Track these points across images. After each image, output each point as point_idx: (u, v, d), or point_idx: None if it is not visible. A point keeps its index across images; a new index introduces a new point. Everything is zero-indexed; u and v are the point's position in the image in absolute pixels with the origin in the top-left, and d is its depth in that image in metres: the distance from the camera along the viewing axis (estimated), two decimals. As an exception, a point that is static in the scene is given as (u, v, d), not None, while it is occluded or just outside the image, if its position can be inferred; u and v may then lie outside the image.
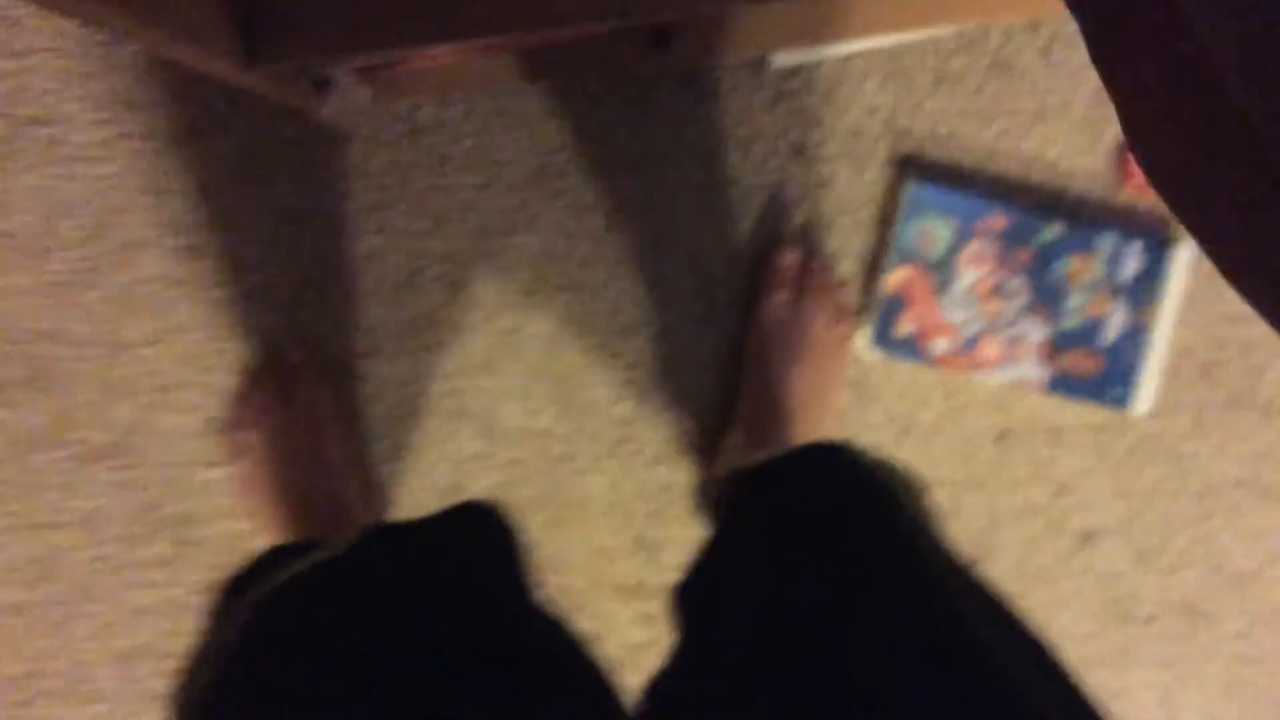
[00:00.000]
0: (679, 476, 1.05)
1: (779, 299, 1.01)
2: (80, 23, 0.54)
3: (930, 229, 1.03)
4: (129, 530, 1.03)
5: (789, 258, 1.02)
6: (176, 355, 1.02)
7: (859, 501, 0.61)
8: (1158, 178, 0.23)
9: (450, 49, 0.96)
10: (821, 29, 0.98)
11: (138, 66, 0.99)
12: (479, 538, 0.65)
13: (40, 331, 1.01)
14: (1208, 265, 1.04)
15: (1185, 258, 1.03)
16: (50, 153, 0.99)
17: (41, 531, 1.03)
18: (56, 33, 0.98)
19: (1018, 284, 1.03)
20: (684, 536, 1.05)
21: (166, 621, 1.03)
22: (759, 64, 1.02)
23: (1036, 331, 1.03)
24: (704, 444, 1.05)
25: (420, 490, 1.04)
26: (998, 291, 1.03)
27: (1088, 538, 1.06)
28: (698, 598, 0.65)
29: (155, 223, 1.01)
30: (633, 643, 1.06)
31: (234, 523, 1.03)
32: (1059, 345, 1.03)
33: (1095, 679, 1.07)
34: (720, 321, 1.05)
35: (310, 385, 1.00)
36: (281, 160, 1.01)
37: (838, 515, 0.59)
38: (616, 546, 1.05)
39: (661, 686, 0.59)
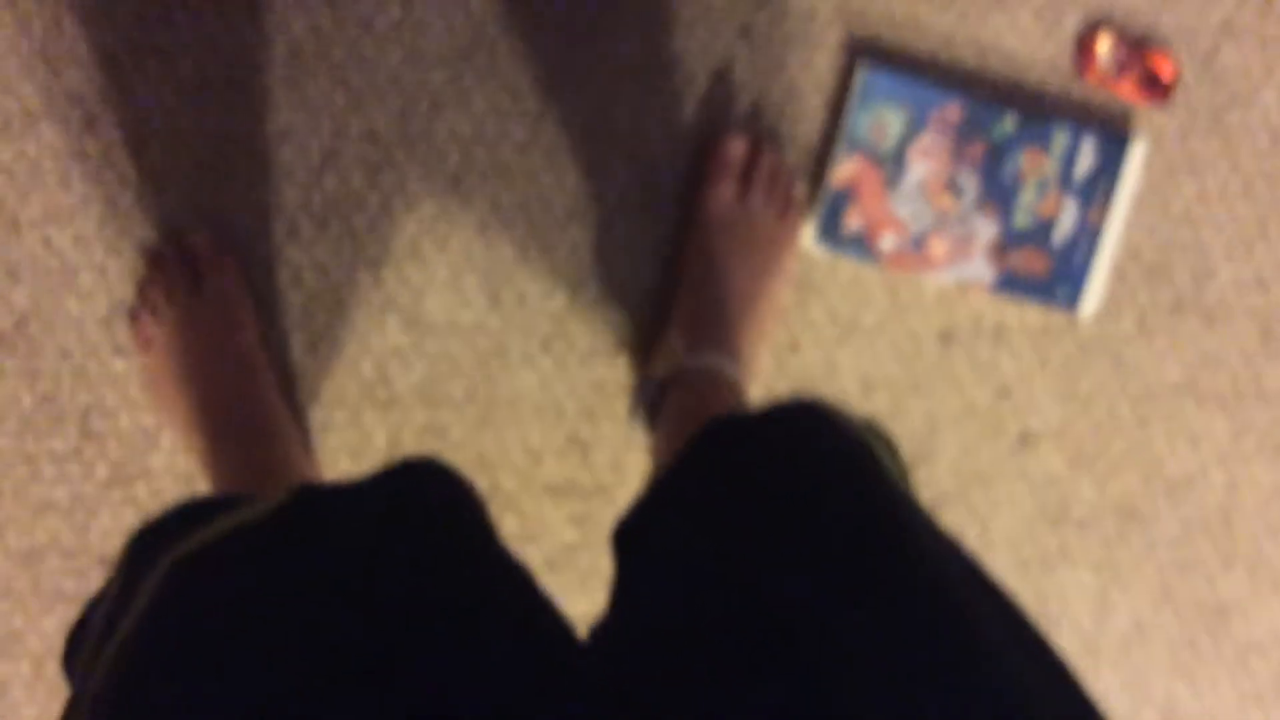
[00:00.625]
0: (614, 374, 1.01)
1: (725, 189, 0.96)
2: None
3: (882, 119, 0.98)
4: (31, 422, 0.97)
5: (736, 145, 0.97)
6: (77, 236, 0.95)
7: (839, 472, 0.56)
8: None
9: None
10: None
11: (26, -84, 0.90)
12: (420, 501, 0.58)
13: (-75, 207, 0.93)
14: (1160, 163, 1.01)
15: (1140, 155, 0.99)
16: (-69, 10, 0.91)
17: (-67, 422, 0.97)
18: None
19: (969, 179, 0.99)
20: (617, 435, 1.02)
21: (74, 518, 0.98)
22: (706, -64, 0.96)
23: (986, 229, 0.99)
24: (641, 341, 1.01)
25: (342, 385, 0.99)
26: (948, 187, 0.99)
27: (1026, 440, 1.04)
28: (642, 550, 0.59)
29: (50, 93, 0.93)
30: (565, 542, 1.03)
31: (144, 415, 0.97)
32: (1008, 243, 0.99)
33: (1029, 581, 1.07)
34: (661, 212, 1.00)
35: (218, 271, 0.94)
36: (186, 25, 0.94)
37: (817, 488, 0.54)
38: (548, 445, 1.02)
39: (604, 645, 0.56)
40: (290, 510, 0.53)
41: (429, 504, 0.57)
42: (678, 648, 0.50)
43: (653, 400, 0.94)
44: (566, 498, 1.03)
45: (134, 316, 0.95)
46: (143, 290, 0.95)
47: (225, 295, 0.94)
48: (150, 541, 0.60)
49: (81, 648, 0.59)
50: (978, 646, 0.44)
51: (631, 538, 0.61)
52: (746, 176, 0.97)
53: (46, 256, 0.95)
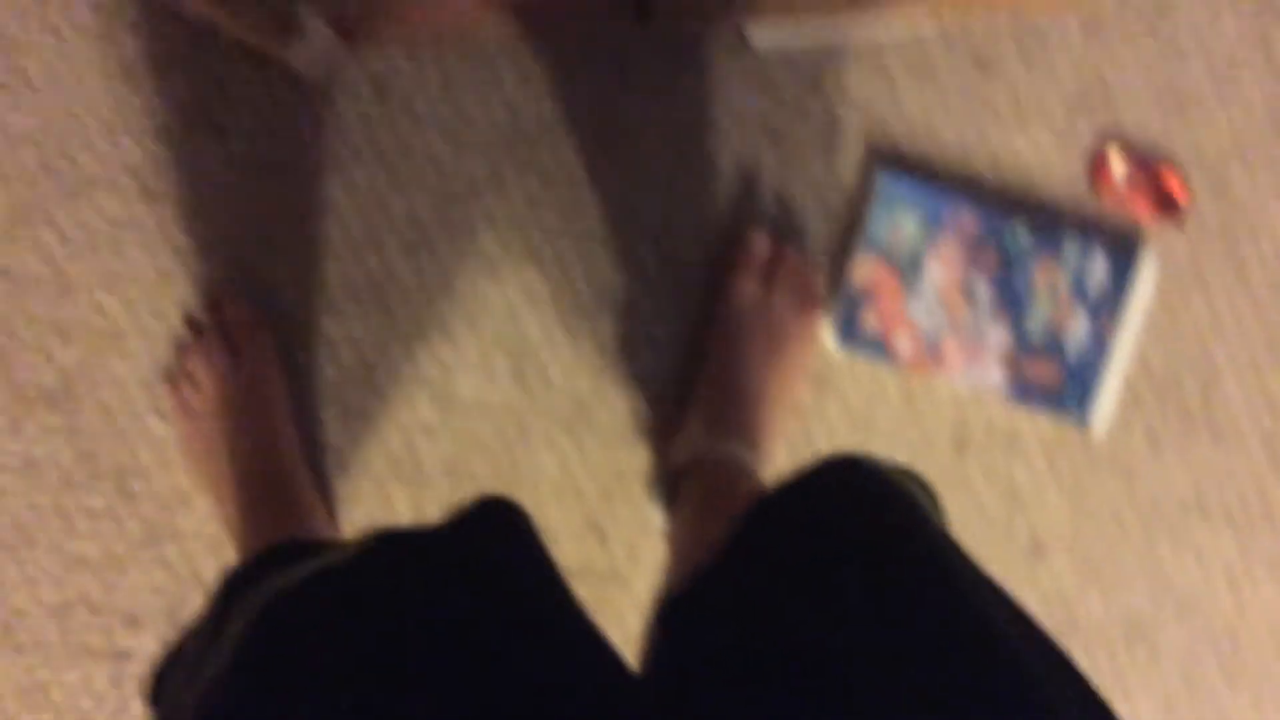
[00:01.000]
0: (633, 460, 1.04)
1: (748, 283, 1.00)
2: None
3: (900, 223, 1.02)
4: (69, 478, 1.00)
5: (761, 242, 1.01)
6: (126, 300, 0.99)
7: (893, 525, 0.58)
8: None
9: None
10: (805, 4, 0.96)
11: (103, 1, 0.96)
12: (499, 543, 0.61)
13: (-14, 266, 0.98)
14: (1171, 279, 1.04)
15: (1151, 270, 1.02)
16: (6, 82, 0.97)
17: (-25, 472, 1.00)
18: (21, -40, 0.95)
19: (983, 286, 1.02)
20: (634, 521, 1.04)
21: (105, 575, 1.01)
22: (740, 44, 1.01)
23: (1000, 336, 1.02)
24: (661, 427, 1.04)
25: (370, 457, 1.02)
26: (963, 293, 1.02)
27: (1036, 549, 1.05)
28: (696, 621, 0.61)
29: (111, 162, 0.98)
30: (574, 622, 1.05)
31: (178, 477, 1.01)
32: (1021, 352, 1.02)
33: (1034, 687, 1.07)
34: (685, 302, 1.03)
35: (254, 344, 0.98)
36: (244, 106, 0.99)
37: (874, 545, 0.56)
38: (566, 527, 1.04)
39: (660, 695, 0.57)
40: (373, 552, 0.56)
41: (500, 544, 0.60)
42: (737, 700, 0.51)
43: (670, 484, 0.96)
44: (581, 581, 1.05)
45: (173, 383, 0.99)
46: (182, 358, 0.99)
47: (260, 368, 0.98)
48: (242, 581, 0.64)
49: (169, 682, 0.61)
50: (1029, 693, 0.46)
51: (686, 608, 0.62)
52: (769, 272, 1.00)
53: (96, 319, 0.99)
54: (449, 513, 0.61)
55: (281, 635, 0.51)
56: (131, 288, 0.99)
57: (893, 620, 0.50)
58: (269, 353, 0.99)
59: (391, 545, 0.57)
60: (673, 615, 0.62)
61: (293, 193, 1.00)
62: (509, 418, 1.03)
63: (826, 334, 1.03)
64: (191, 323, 1.00)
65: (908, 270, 1.02)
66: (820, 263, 1.03)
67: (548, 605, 0.58)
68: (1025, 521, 1.05)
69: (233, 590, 0.65)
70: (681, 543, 0.86)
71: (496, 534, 0.61)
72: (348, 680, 0.48)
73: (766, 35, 1.00)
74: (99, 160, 0.98)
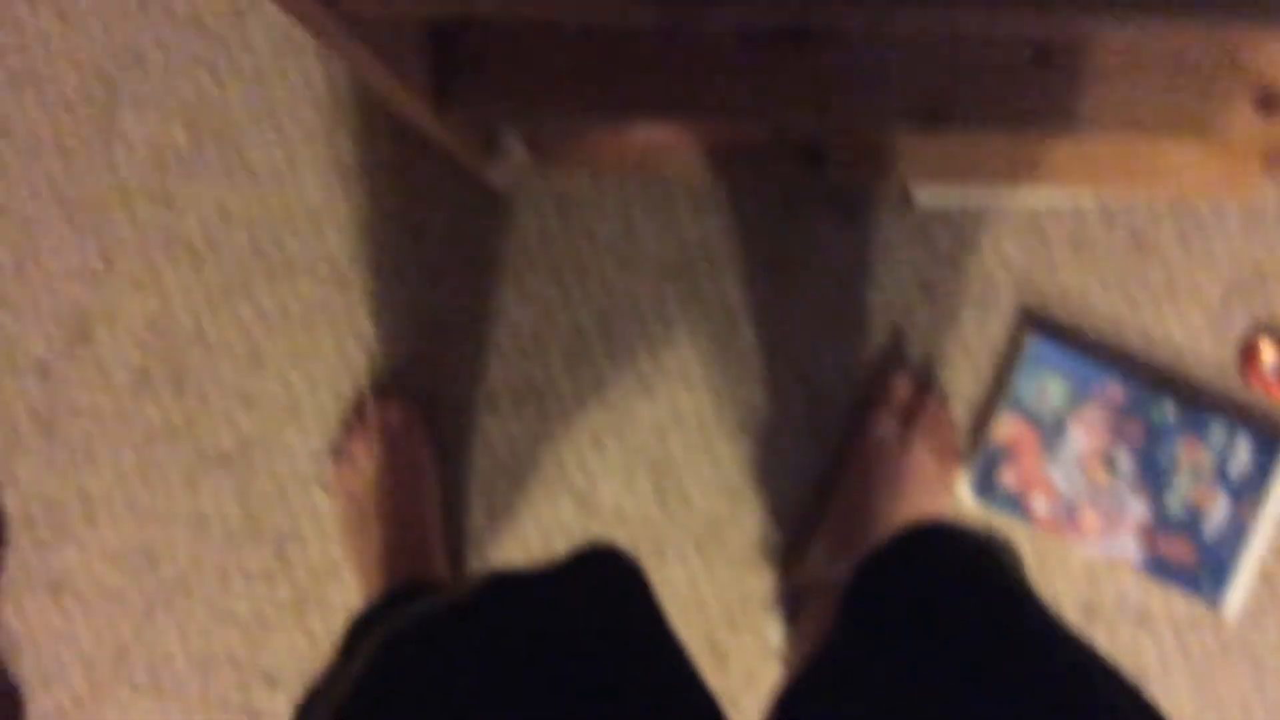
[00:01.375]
0: (759, 585, 1.07)
1: (887, 423, 1.03)
2: (298, 22, 0.59)
3: (1046, 386, 1.04)
4: (233, 537, 1.07)
5: (903, 384, 1.04)
6: (309, 377, 1.07)
7: (985, 590, 0.62)
8: None
9: (625, 130, 1.02)
10: (975, 171, 1.01)
11: (324, 102, 1.06)
12: (608, 589, 0.66)
13: (192, 332, 1.07)
14: (1319, 473, 1.04)
15: (1298, 462, 1.03)
16: (229, 168, 1.06)
17: (154, 523, 1.08)
18: (256, 63, 1.05)
19: (1125, 457, 1.04)
20: (754, 647, 1.06)
21: (251, 634, 1.07)
22: (904, 200, 1.06)
23: (1138, 509, 1.03)
24: (788, 552, 1.07)
25: (510, 552, 1.07)
26: (1105, 462, 1.04)
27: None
28: (814, 708, 0.64)
29: (314, 250, 1.06)
30: (685, 738, 1.07)
31: (333, 548, 1.07)
32: (1158, 527, 1.03)
33: None
34: (824, 436, 1.07)
35: (415, 435, 1.04)
36: (438, 211, 1.07)
37: (968, 608, 0.60)
38: (687, 644, 1.06)
39: None
40: (488, 592, 0.61)
41: (610, 588, 0.64)
42: None
43: (791, 605, 0.99)
44: (692, 694, 1.07)
45: (337, 463, 1.06)
46: (348, 439, 1.06)
47: (416, 458, 1.04)
48: (367, 620, 0.70)
49: (307, 715, 0.66)
50: None
51: (804, 696, 0.65)
52: (909, 416, 1.04)
53: (279, 391, 1.07)
54: (561, 556, 0.65)
55: (398, 668, 0.55)
56: (315, 366, 1.07)
57: (1006, 692, 0.53)
58: (426, 445, 1.06)
59: (504, 585, 0.61)
60: (791, 704, 0.65)
61: (471, 293, 1.07)
62: (645, 529, 1.07)
63: (963, 484, 1.05)
64: (360, 407, 1.07)
65: (1050, 433, 1.04)
66: (961, 415, 1.06)
67: (654, 648, 0.61)
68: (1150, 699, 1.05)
69: (359, 628, 0.71)
70: (796, 664, 0.89)
71: (605, 577, 0.65)
72: (460, 711, 0.51)
73: (930, 194, 1.05)
74: (303, 246, 1.06)
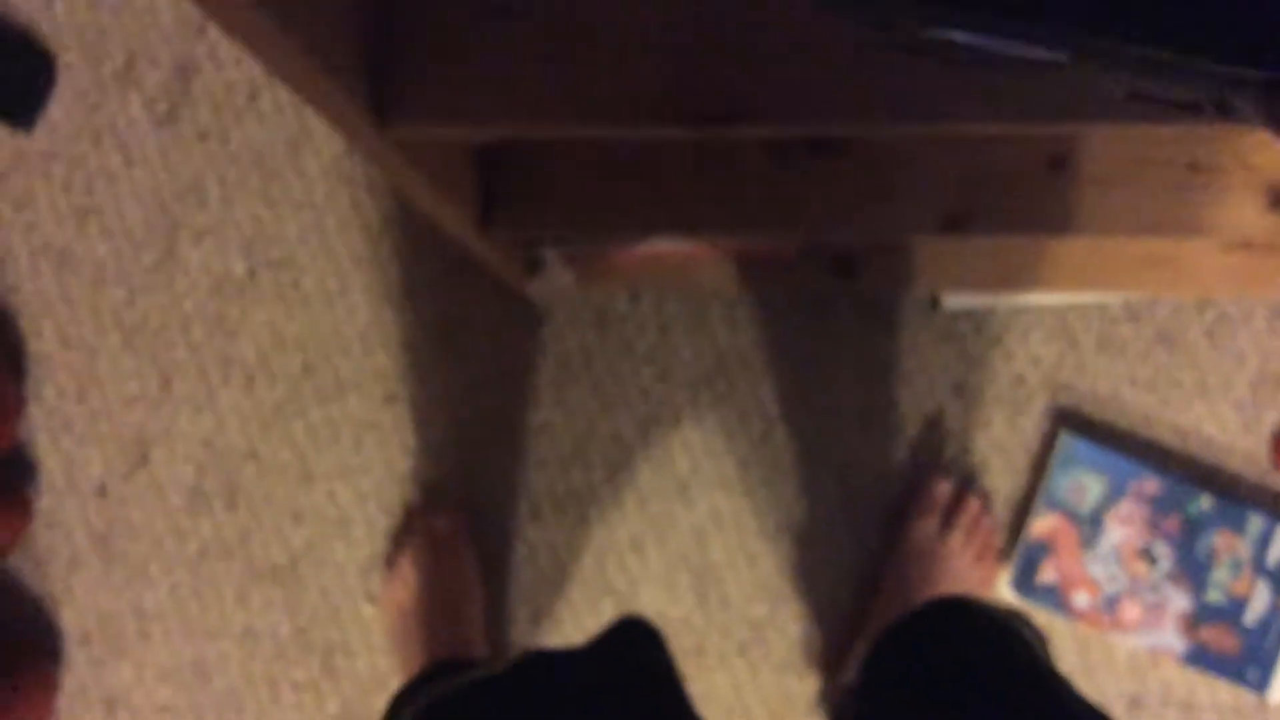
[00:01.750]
0: (803, 688, 1.07)
1: (928, 524, 1.05)
2: (353, 146, 0.63)
3: (1081, 483, 1.06)
4: (283, 650, 1.09)
5: (943, 486, 1.06)
6: (357, 492, 1.10)
7: (1004, 666, 0.64)
8: None
9: (660, 245, 1.06)
10: (999, 277, 1.05)
11: (373, 228, 1.11)
12: (637, 661, 0.69)
13: (245, 451, 1.11)
14: (1360, 562, 1.05)
15: (1337, 551, 1.03)
16: (283, 293, 1.11)
17: (206, 638, 1.10)
18: (309, 193, 1.11)
19: (1164, 550, 1.04)
20: (801, 747, 1.06)
21: (295, 744, 1.08)
22: (932, 302, 1.09)
23: (1178, 600, 1.04)
24: (831, 657, 1.07)
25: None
26: (1143, 554, 1.05)
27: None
28: None
29: (364, 369, 1.11)
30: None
31: (381, 659, 1.08)
32: (1199, 618, 1.03)
33: None
34: (863, 536, 1.08)
35: (459, 549, 1.07)
36: (481, 327, 1.11)
37: (986, 683, 0.62)
38: (733, 746, 1.07)
39: None
40: (520, 669, 0.63)
41: (637, 665, 0.67)
42: None
43: (836, 707, 0.99)
44: (741, 802, 1.07)
45: (385, 576, 1.08)
46: (395, 553, 1.08)
47: (461, 569, 1.07)
48: (409, 693, 0.75)
49: None
50: None
51: None
52: (949, 516, 1.05)
53: (329, 506, 1.10)
54: (592, 635, 0.69)
55: None
56: (364, 480, 1.10)
57: None
58: (470, 558, 1.08)
59: (538, 661, 0.64)
60: None
61: (513, 405, 1.11)
62: (687, 633, 1.08)
63: (1003, 580, 1.06)
64: (407, 522, 1.10)
65: (1088, 528, 1.05)
66: (999, 513, 1.08)
67: (671, 708, 0.65)
68: (1202, 794, 1.04)
69: (401, 700, 0.76)
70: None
71: (630, 654, 0.69)
72: None
73: (957, 296, 1.08)
74: (352, 365, 1.11)
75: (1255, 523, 1.04)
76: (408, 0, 0.63)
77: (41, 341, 1.13)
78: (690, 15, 0.61)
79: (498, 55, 0.62)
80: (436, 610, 1.04)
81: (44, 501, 1.13)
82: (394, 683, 1.08)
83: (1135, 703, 1.05)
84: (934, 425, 1.09)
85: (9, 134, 1.14)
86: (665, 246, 1.07)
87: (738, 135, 0.67)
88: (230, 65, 1.12)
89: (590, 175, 0.92)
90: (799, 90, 0.61)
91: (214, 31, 1.11)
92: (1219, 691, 1.04)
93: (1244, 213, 0.90)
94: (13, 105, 1.12)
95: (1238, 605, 1.03)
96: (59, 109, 1.14)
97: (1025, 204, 0.93)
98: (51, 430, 1.13)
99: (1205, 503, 1.04)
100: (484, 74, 0.62)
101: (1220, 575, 1.04)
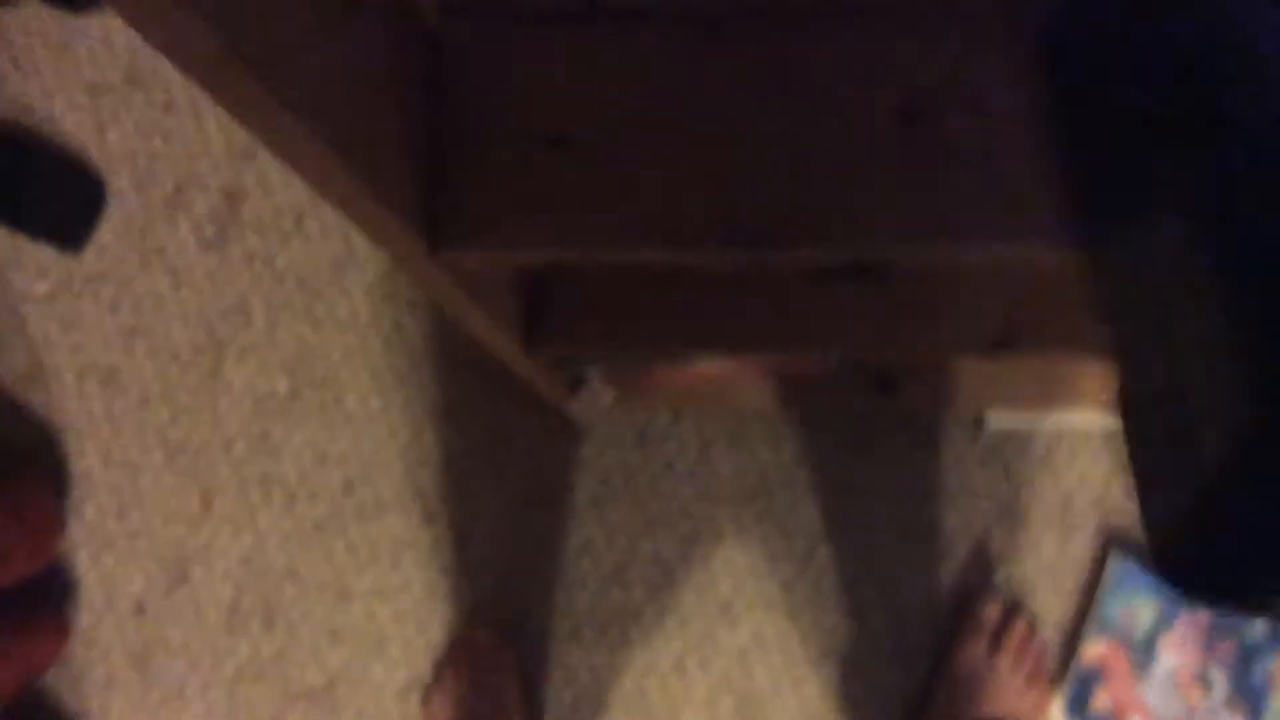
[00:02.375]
0: (851, 816, 1.04)
1: (976, 647, 1.02)
2: (402, 270, 0.63)
3: (1134, 607, 1.04)
4: (318, 775, 1.07)
5: (992, 609, 1.04)
6: (396, 611, 1.09)
7: None
8: None
9: (701, 364, 1.06)
10: (1045, 396, 1.04)
11: (415, 347, 1.12)
12: None
13: (284, 569, 1.10)
14: None
15: (1402, 680, 1.00)
16: (325, 412, 1.12)
17: (241, 762, 1.08)
18: (353, 313, 1.12)
19: (1219, 676, 1.02)
20: None
21: None
22: (977, 422, 1.08)
23: (1238, 730, 1.01)
24: (878, 785, 1.05)
25: (595, 784, 1.06)
26: (1199, 680, 1.02)
27: None
28: None
29: (404, 488, 1.10)
30: None
31: (417, 786, 1.06)
32: (1261, 748, 1.00)
33: None
34: (910, 660, 1.06)
35: (500, 673, 1.05)
36: (521, 446, 1.11)
37: None
38: None
39: None
40: None
41: None
42: None
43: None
44: None
45: (426, 695, 1.07)
46: (434, 677, 1.07)
47: (501, 690, 1.05)
48: None
49: None
50: None
51: None
52: (998, 640, 1.03)
53: (366, 625, 1.09)
54: None
55: None
56: (402, 599, 1.09)
57: None
58: (511, 675, 1.06)
59: None
60: None
61: (553, 525, 1.10)
62: (731, 760, 1.06)
63: (1056, 708, 1.04)
64: (447, 646, 1.08)
65: (1141, 653, 1.03)
66: (1048, 638, 1.05)
67: None
68: None
69: None
70: None
71: None
72: None
73: (1001, 416, 1.08)
74: (393, 485, 1.10)
75: (1315, 649, 1.01)
76: (460, 126, 0.63)
77: (85, 459, 1.14)
78: (740, 142, 0.62)
79: (547, 182, 0.63)
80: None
81: (83, 619, 1.12)
82: (431, 811, 1.05)
83: (1197, 839, 1.01)
84: (980, 546, 1.07)
85: (59, 256, 1.16)
86: (706, 365, 1.07)
87: (789, 259, 0.67)
88: (279, 190, 1.14)
89: (633, 293, 0.92)
90: (848, 213, 0.61)
91: (263, 157, 1.13)
92: (1284, 826, 1.00)
93: None
94: (63, 228, 1.14)
95: (1299, 734, 1.00)
96: (109, 232, 1.16)
97: (1067, 324, 0.93)
98: (92, 548, 1.13)
99: (1260, 627, 1.02)
100: (534, 200, 0.62)
101: (1278, 701, 1.01)
